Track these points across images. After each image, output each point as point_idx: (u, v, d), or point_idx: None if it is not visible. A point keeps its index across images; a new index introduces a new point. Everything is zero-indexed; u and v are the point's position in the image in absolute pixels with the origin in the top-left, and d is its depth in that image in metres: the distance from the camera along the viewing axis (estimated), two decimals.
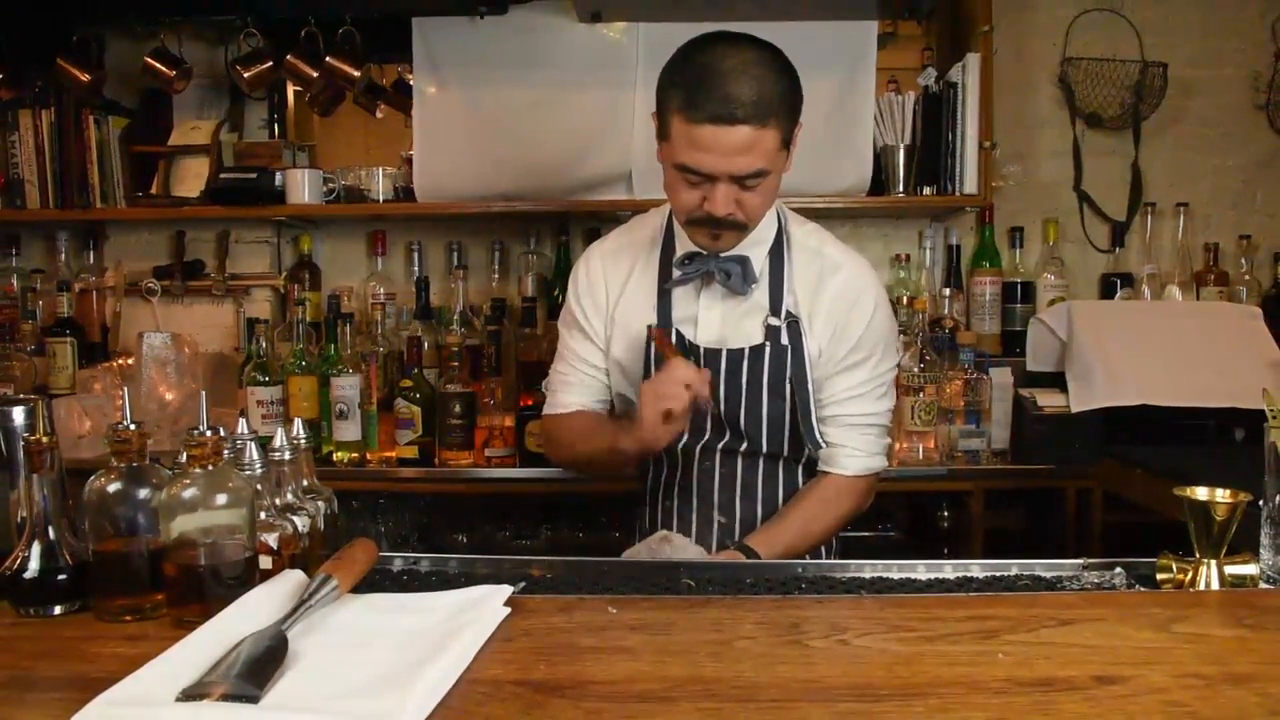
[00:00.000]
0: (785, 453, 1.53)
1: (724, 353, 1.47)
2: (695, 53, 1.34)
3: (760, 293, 1.48)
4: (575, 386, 1.61)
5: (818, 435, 1.48)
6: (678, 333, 1.51)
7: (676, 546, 1.43)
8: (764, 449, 1.52)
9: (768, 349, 1.46)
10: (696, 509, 1.56)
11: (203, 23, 2.73)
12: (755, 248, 1.48)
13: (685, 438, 1.50)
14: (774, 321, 1.46)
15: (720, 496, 1.55)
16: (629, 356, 1.54)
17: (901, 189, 2.54)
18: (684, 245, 1.49)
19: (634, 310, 1.54)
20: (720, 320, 1.50)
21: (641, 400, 1.38)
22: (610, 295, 1.56)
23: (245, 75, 2.59)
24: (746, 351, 1.46)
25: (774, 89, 1.31)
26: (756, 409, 1.48)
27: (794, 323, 1.46)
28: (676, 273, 1.48)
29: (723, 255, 1.46)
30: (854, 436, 1.51)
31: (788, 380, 1.46)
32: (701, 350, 1.49)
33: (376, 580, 1.18)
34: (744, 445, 1.53)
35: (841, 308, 1.48)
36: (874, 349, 1.51)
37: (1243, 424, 2.20)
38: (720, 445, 1.53)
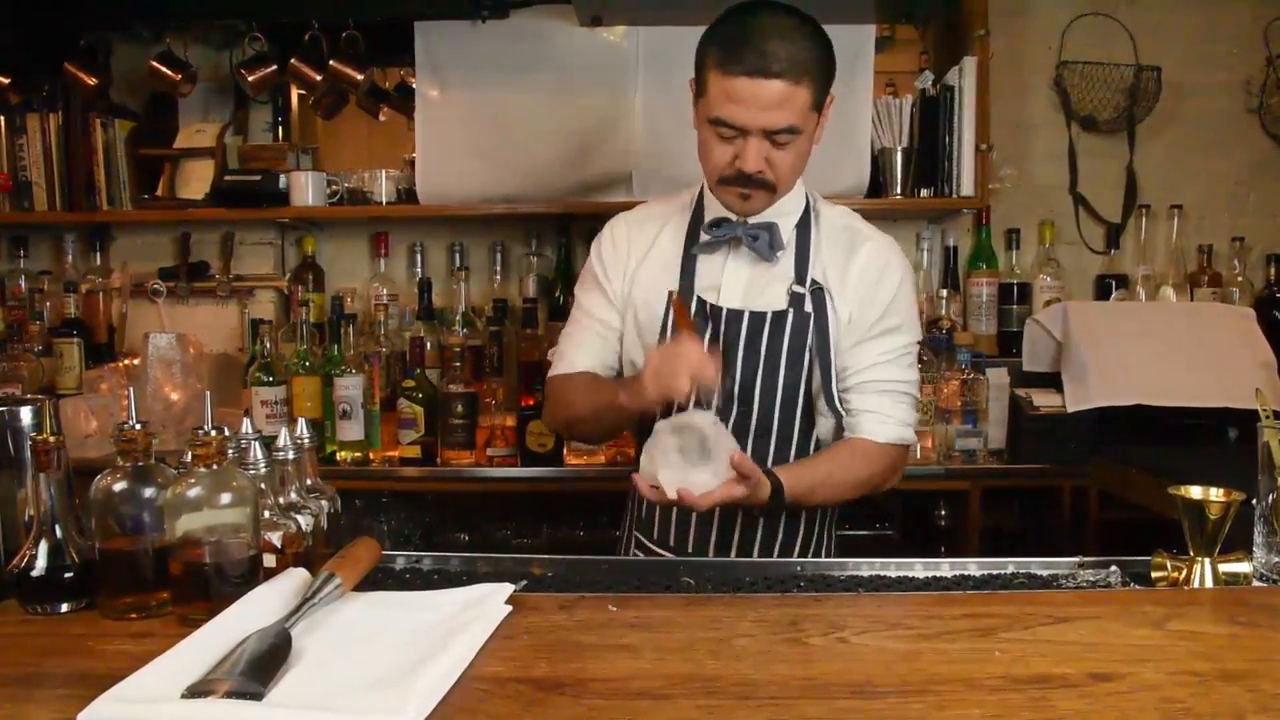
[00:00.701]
0: (795, 432, 1.50)
1: (745, 315, 1.46)
2: (737, 14, 1.39)
3: (786, 261, 1.49)
4: (585, 347, 1.58)
5: (839, 403, 1.48)
6: (699, 300, 1.50)
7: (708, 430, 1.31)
8: (774, 425, 1.49)
9: (790, 315, 1.46)
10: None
11: (208, 27, 2.74)
12: (783, 218, 1.50)
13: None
14: (798, 289, 1.47)
15: None
16: (647, 319, 1.53)
17: (899, 191, 2.55)
18: (713, 213, 1.51)
19: (657, 273, 1.53)
20: (745, 286, 1.50)
21: (646, 370, 1.36)
22: (634, 257, 1.55)
23: (250, 79, 2.60)
24: (769, 316, 1.46)
25: (810, 50, 1.36)
26: (773, 378, 1.47)
27: (818, 290, 1.47)
28: (705, 237, 1.50)
29: (751, 222, 1.47)
30: (886, 403, 1.49)
31: (808, 348, 1.46)
32: (724, 312, 1.48)
33: (379, 579, 1.18)
34: (754, 423, 1.49)
35: (871, 275, 1.49)
36: (903, 318, 1.52)
37: (1236, 424, 2.21)
38: (729, 425, 1.47)
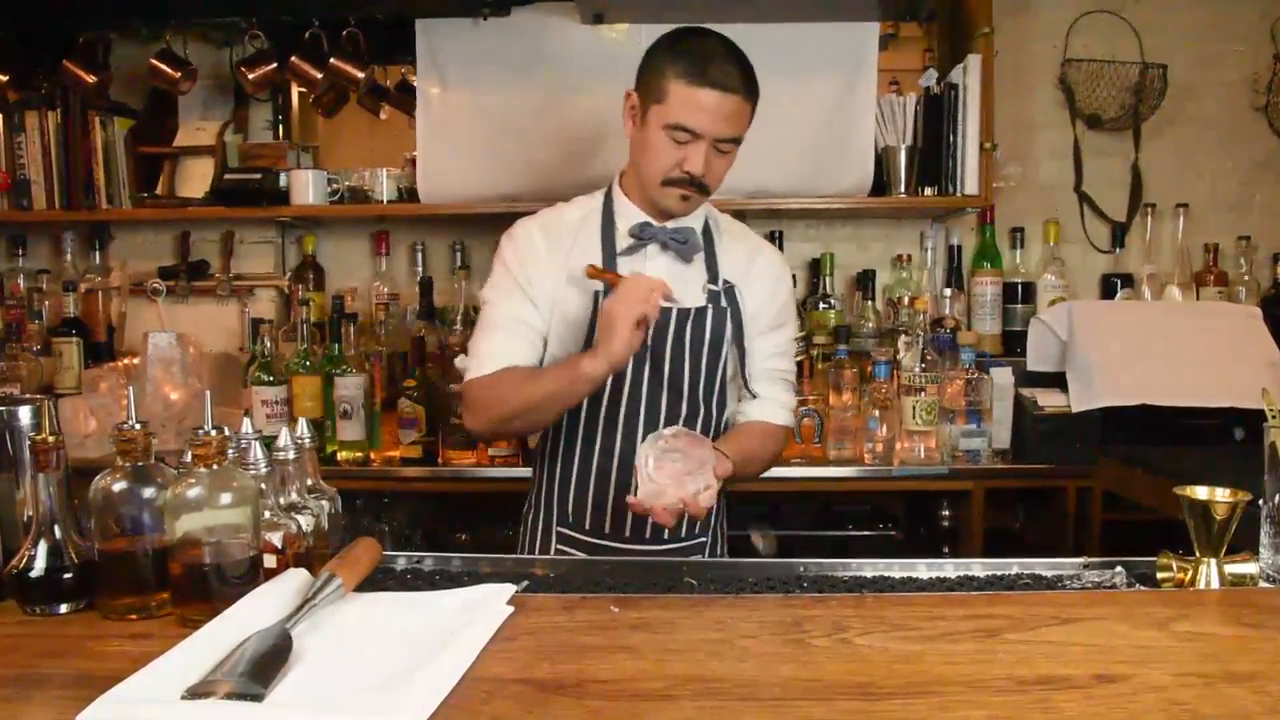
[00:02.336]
0: (714, 412, 1.66)
1: (674, 312, 1.58)
2: (691, 37, 1.55)
3: (699, 263, 1.65)
4: (505, 345, 1.59)
5: (750, 385, 1.67)
6: None
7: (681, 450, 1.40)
8: (700, 408, 1.63)
9: (710, 310, 1.62)
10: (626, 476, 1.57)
11: (208, 24, 2.73)
12: (694, 222, 1.65)
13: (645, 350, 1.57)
14: (713, 287, 1.64)
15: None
16: (576, 313, 1.60)
17: (903, 190, 2.54)
18: (627, 219, 1.63)
19: (582, 275, 1.60)
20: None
21: (610, 315, 1.43)
22: (555, 259, 1.61)
23: (250, 76, 2.59)
24: (693, 312, 1.61)
25: (752, 74, 1.54)
26: (697, 365, 1.62)
27: (730, 289, 1.64)
28: (630, 240, 1.62)
29: (670, 226, 1.62)
30: (778, 390, 1.71)
31: (725, 339, 1.62)
32: None
33: (380, 579, 1.18)
34: (684, 407, 1.62)
35: (769, 279, 1.70)
36: (790, 315, 1.75)
37: (1242, 424, 2.20)
38: (662, 411, 1.61)
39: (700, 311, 1.61)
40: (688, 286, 1.61)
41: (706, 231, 1.67)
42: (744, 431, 1.68)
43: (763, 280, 1.68)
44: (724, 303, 1.63)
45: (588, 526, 1.63)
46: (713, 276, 1.65)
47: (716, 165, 1.55)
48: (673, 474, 1.37)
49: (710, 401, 1.65)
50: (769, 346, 1.69)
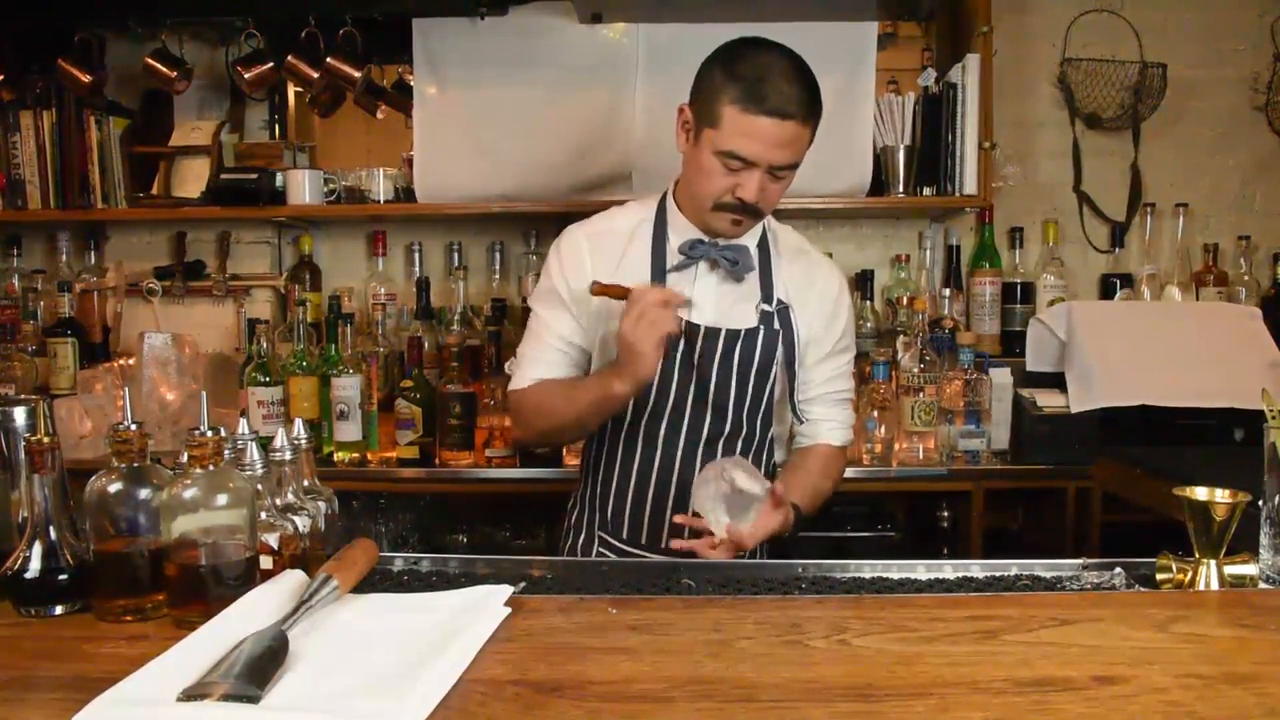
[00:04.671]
0: (758, 434, 1.63)
1: (723, 333, 1.55)
2: (749, 52, 1.46)
3: (752, 281, 1.59)
4: (548, 362, 1.61)
5: (800, 409, 1.64)
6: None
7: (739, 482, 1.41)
8: (743, 430, 1.60)
9: (761, 331, 1.57)
10: (673, 500, 1.58)
11: (203, 24, 2.73)
12: (748, 239, 1.59)
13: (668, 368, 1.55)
14: (766, 308, 1.58)
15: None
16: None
17: (901, 189, 2.54)
18: (680, 234, 1.58)
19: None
20: (715, 303, 1.58)
21: (625, 334, 1.40)
22: (600, 275, 1.55)
23: (246, 76, 2.59)
24: (743, 333, 1.56)
25: (814, 93, 1.46)
26: (744, 388, 1.57)
27: (784, 309, 1.59)
28: (679, 257, 1.57)
29: (722, 244, 1.56)
30: (837, 411, 1.67)
31: (776, 361, 1.58)
32: (702, 329, 1.55)
33: (377, 580, 1.18)
34: (727, 428, 1.59)
35: (829, 301, 1.64)
36: (851, 336, 1.71)
37: (1242, 424, 2.20)
38: (704, 430, 1.59)
39: (750, 333, 1.56)
40: (738, 306, 1.57)
41: (763, 244, 1.61)
42: (803, 468, 1.64)
43: (821, 301, 1.63)
44: (776, 324, 1.58)
45: (625, 535, 1.62)
46: (766, 295, 1.59)
47: (773, 191, 1.49)
48: (726, 509, 1.39)
49: (754, 421, 1.61)
50: (827, 371, 1.65)
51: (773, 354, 1.57)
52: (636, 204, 1.66)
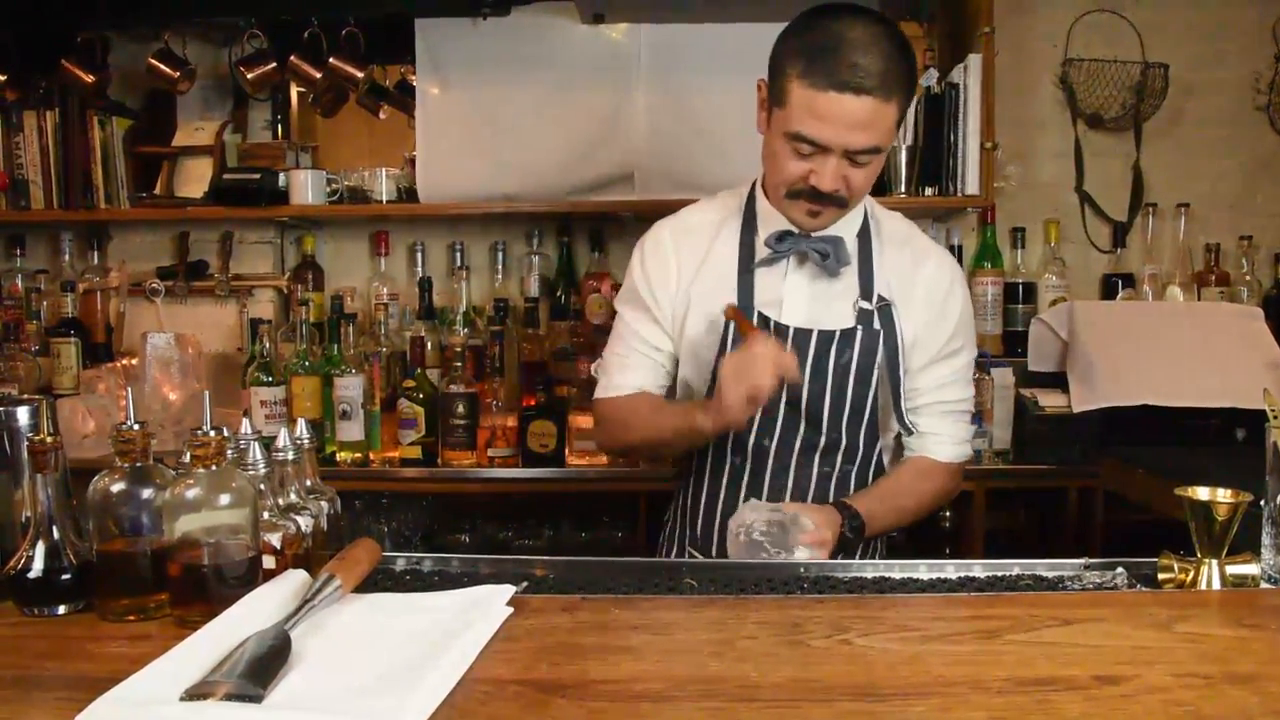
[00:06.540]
0: (860, 446, 1.48)
1: (814, 334, 1.41)
2: (821, 19, 1.30)
3: (850, 276, 1.43)
4: (634, 369, 1.52)
5: (908, 420, 1.45)
6: (760, 316, 1.44)
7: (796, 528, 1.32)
8: (842, 442, 1.46)
9: (859, 332, 1.41)
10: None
11: (207, 24, 2.73)
12: (845, 229, 1.44)
13: (759, 415, 1.43)
14: (865, 305, 1.42)
15: (793, 498, 1.47)
16: (706, 339, 1.47)
17: (903, 189, 2.54)
18: (768, 225, 1.44)
19: (712, 290, 1.46)
20: (808, 302, 1.44)
21: (723, 378, 1.31)
22: (684, 274, 1.48)
23: (249, 76, 2.59)
24: (837, 334, 1.41)
25: (900, 64, 1.28)
26: (841, 396, 1.43)
27: (885, 307, 1.42)
28: (766, 251, 1.43)
29: (815, 235, 1.42)
30: (947, 424, 1.50)
31: (877, 366, 1.42)
32: (791, 331, 1.42)
33: (379, 580, 1.18)
34: (822, 440, 1.45)
35: (937, 296, 1.46)
36: (966, 337, 1.50)
37: (1244, 424, 2.20)
38: (797, 441, 1.46)
39: (846, 334, 1.40)
40: (833, 302, 1.43)
41: (864, 234, 1.45)
42: (887, 478, 1.50)
43: (930, 297, 1.45)
44: (876, 324, 1.41)
45: (715, 552, 1.52)
46: (865, 292, 1.42)
47: (856, 177, 1.33)
48: (770, 544, 1.33)
49: (856, 433, 1.45)
50: (937, 378, 1.47)
51: (873, 357, 1.41)
52: (727, 193, 1.52)
